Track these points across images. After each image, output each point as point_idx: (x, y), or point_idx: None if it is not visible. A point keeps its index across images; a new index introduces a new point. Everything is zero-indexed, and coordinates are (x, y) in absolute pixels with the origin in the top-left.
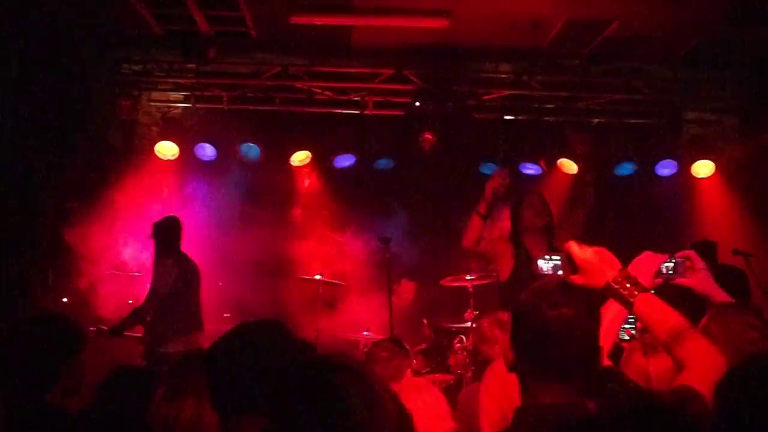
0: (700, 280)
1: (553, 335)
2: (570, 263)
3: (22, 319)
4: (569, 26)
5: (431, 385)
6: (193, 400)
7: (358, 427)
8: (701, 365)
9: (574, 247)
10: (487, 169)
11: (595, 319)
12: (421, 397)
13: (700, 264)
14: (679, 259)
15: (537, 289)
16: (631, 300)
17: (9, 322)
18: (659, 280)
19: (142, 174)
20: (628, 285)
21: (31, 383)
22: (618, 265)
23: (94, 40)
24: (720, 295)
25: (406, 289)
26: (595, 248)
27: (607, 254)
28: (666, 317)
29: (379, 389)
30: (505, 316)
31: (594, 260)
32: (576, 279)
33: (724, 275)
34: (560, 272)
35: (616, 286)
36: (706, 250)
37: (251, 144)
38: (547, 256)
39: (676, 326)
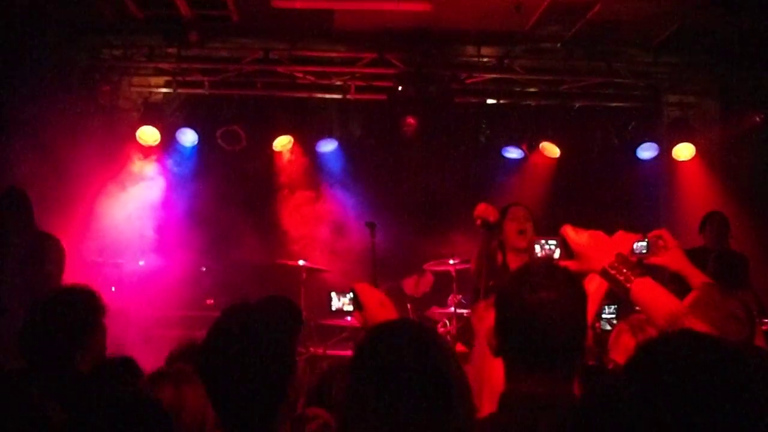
0: (674, 258)
1: (534, 320)
2: (566, 248)
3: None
4: (551, 10)
5: None
6: (172, 387)
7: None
8: None
9: (569, 231)
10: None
11: (579, 303)
12: None
13: (672, 242)
14: (651, 238)
15: (520, 272)
16: (628, 285)
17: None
18: (633, 259)
19: (123, 160)
20: (624, 270)
21: (61, 351)
22: (614, 249)
23: (74, 25)
24: (694, 273)
25: (427, 282)
26: (591, 232)
27: (604, 238)
28: (663, 302)
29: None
30: None
31: (590, 245)
32: (572, 264)
33: (725, 259)
34: (555, 256)
35: (612, 272)
36: (722, 221)
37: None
38: (542, 241)
39: (673, 311)
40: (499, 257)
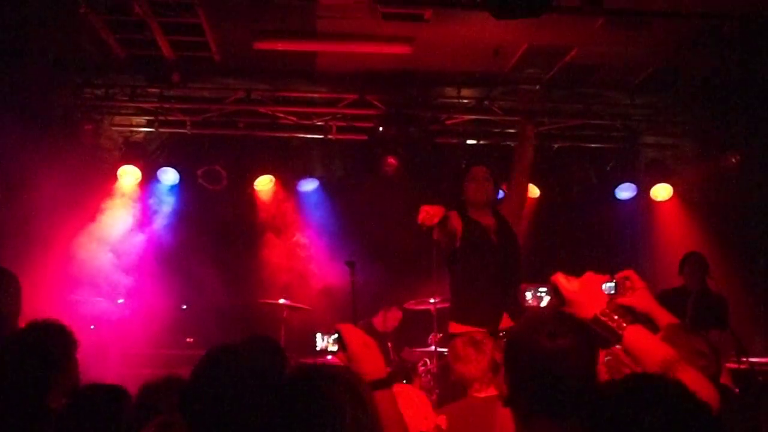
0: (641, 298)
1: (550, 367)
2: (557, 295)
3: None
4: (530, 53)
5: (414, 388)
6: None
7: None
8: None
9: (561, 279)
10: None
11: (592, 349)
12: (408, 398)
13: (639, 283)
14: (619, 279)
15: (532, 319)
16: (620, 333)
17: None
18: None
19: (104, 198)
20: (616, 317)
21: (31, 387)
22: (605, 297)
23: (56, 64)
24: (662, 314)
25: (394, 317)
26: (582, 280)
27: (595, 285)
28: (655, 349)
29: (368, 397)
30: (479, 335)
31: (581, 292)
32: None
33: (703, 301)
34: (543, 304)
35: (604, 319)
36: (701, 262)
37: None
38: (533, 288)
39: (666, 358)
40: (458, 225)
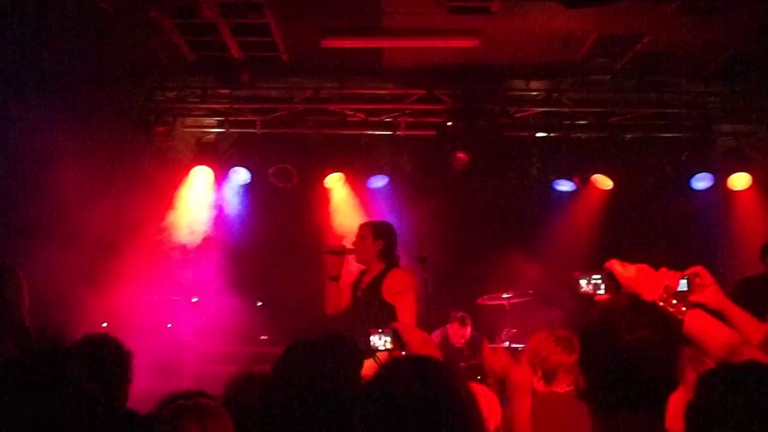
0: (712, 295)
1: (631, 360)
2: (612, 282)
3: (82, 339)
4: (600, 42)
5: (484, 387)
6: (197, 421)
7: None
8: None
9: (616, 265)
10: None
11: (674, 340)
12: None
13: (709, 279)
14: (689, 276)
15: (609, 310)
16: (681, 317)
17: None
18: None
19: (178, 200)
20: (674, 302)
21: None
22: (662, 282)
23: (130, 68)
24: (734, 310)
25: (461, 335)
26: (639, 266)
27: (651, 271)
28: (719, 333)
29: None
30: (563, 332)
31: (638, 278)
32: None
33: None
34: (600, 291)
35: (663, 305)
36: None
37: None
38: (587, 276)
39: (731, 341)
40: None
